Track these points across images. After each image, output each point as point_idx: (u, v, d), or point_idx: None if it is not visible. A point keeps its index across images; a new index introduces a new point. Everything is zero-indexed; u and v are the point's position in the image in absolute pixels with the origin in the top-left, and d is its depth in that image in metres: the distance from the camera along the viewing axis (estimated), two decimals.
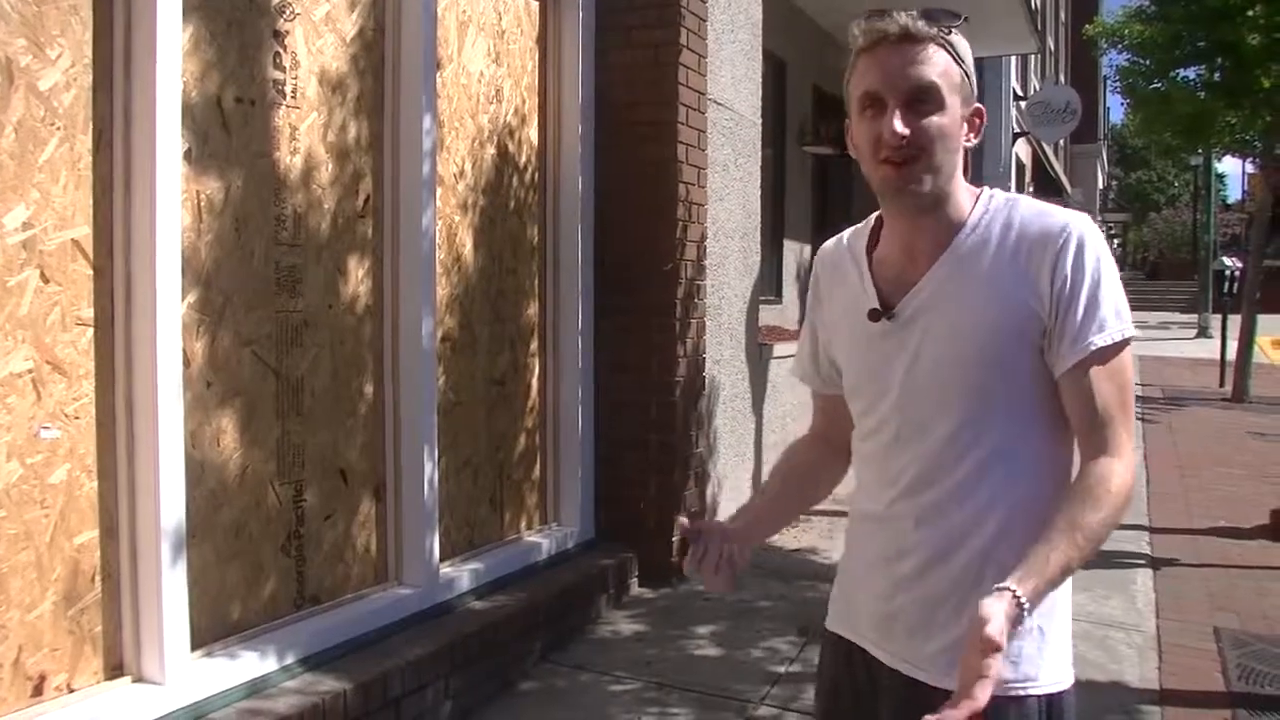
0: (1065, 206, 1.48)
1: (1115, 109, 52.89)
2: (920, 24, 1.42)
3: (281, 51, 3.07)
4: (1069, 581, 1.43)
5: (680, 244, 4.58)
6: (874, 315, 1.53)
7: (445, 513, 3.79)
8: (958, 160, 1.47)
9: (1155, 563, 5.22)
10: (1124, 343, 1.42)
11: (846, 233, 1.71)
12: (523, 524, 4.35)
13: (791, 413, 6.52)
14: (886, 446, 1.55)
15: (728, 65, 5.25)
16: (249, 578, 3.02)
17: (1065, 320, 1.40)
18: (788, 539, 5.40)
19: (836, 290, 1.67)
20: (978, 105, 1.50)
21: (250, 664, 2.88)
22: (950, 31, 1.44)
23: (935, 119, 1.42)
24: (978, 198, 1.52)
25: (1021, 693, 1.47)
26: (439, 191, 3.71)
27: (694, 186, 4.71)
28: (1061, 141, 31.29)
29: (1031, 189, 26.43)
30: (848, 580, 1.67)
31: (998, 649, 1.20)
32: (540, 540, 4.31)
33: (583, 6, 4.51)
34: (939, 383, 1.47)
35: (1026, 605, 1.26)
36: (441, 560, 3.71)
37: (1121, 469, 1.38)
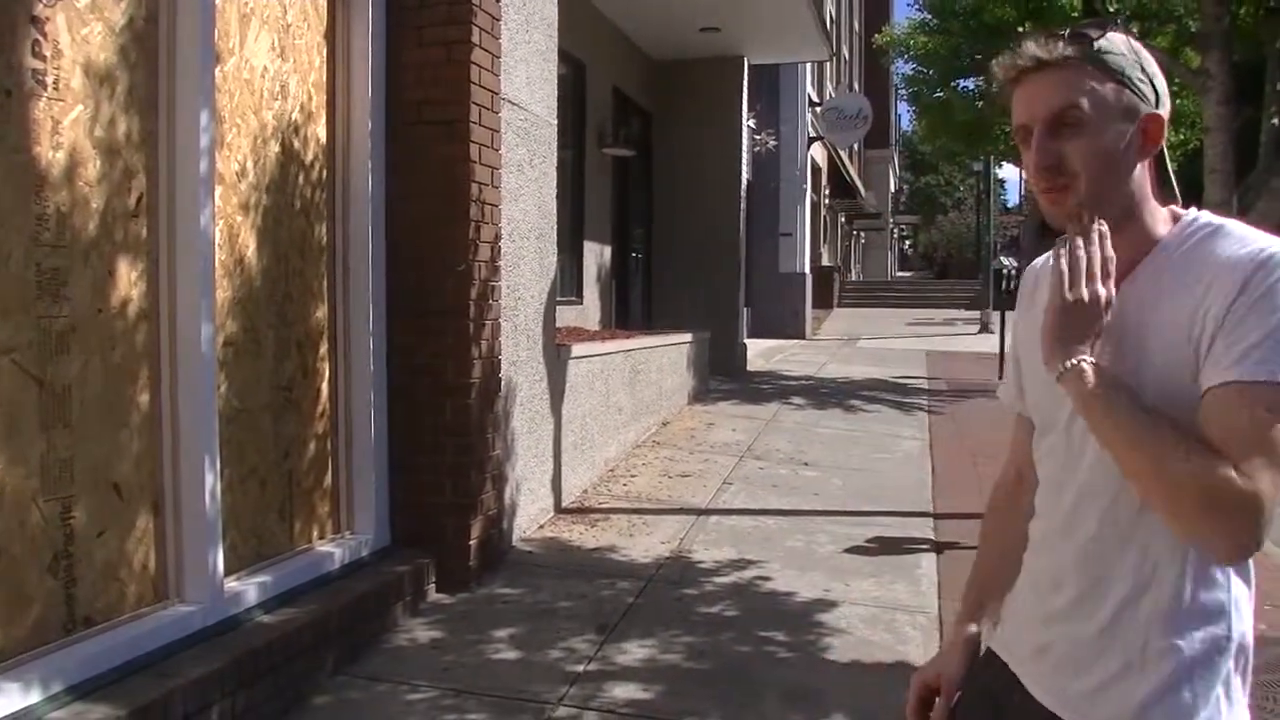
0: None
1: (905, 116, 55.59)
2: (1055, 46, 1.36)
3: (41, 39, 2.87)
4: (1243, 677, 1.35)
5: (474, 244, 4.55)
6: None
7: (230, 525, 3.64)
8: (1131, 180, 1.38)
9: (939, 547, 5.50)
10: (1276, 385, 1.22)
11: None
12: (314, 533, 4.22)
13: (591, 413, 6.56)
14: (1052, 474, 1.49)
15: (522, 65, 5.24)
16: (9, 603, 2.82)
17: (1219, 343, 1.25)
18: (587, 538, 5.44)
19: (1032, 310, 1.56)
20: (1152, 113, 1.37)
21: (11, 697, 2.69)
22: (1093, 44, 1.35)
23: (1078, 142, 1.35)
24: (1177, 220, 1.41)
25: None
26: (219, 190, 3.56)
27: (487, 186, 4.68)
28: (856, 146, 32.69)
29: (828, 190, 27.49)
30: (1013, 600, 1.59)
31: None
32: (333, 549, 4.19)
33: (373, 3, 4.41)
34: None
35: (1089, 369, 1.30)
36: (227, 574, 3.56)
37: (1243, 480, 1.19)
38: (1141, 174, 1.38)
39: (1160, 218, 1.40)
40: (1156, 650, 1.35)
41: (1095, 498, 1.40)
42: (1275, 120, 5.59)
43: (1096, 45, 1.36)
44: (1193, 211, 1.41)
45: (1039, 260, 1.64)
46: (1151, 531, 1.34)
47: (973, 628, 1.68)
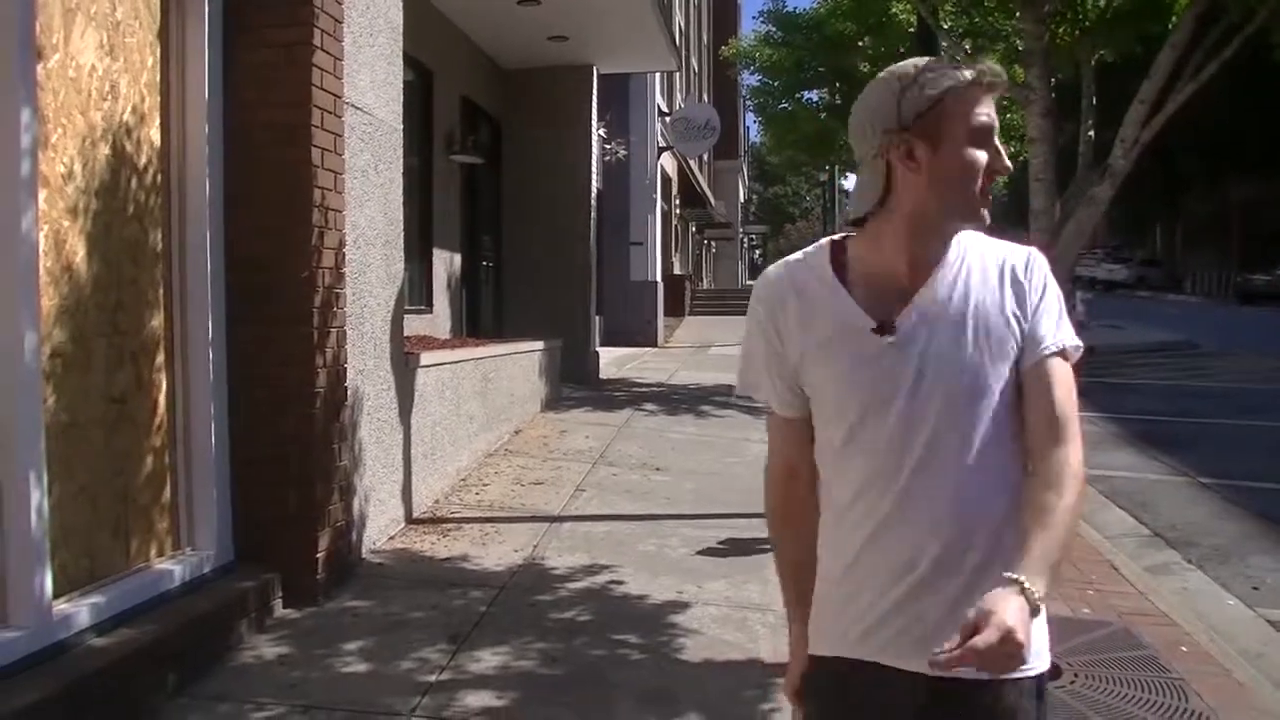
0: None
1: (753, 127, 56.68)
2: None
3: None
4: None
5: (317, 251, 4.45)
6: (881, 330, 1.61)
7: (60, 545, 3.46)
8: None
9: None
10: (1074, 350, 1.63)
11: (793, 261, 1.77)
12: (152, 551, 4.05)
13: (442, 422, 6.49)
14: (892, 457, 1.61)
15: (367, 69, 5.15)
16: None
17: (1039, 324, 1.61)
18: (439, 548, 5.38)
19: (806, 316, 1.68)
20: None
21: None
22: None
23: None
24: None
25: (1020, 675, 1.56)
26: (44, 194, 3.39)
27: (330, 192, 4.58)
28: (705, 157, 33.13)
29: (678, 200, 27.79)
30: (846, 596, 1.68)
31: (1019, 647, 1.30)
32: (172, 567, 4.03)
33: (208, 1, 4.27)
34: (944, 392, 1.58)
35: (1039, 599, 1.37)
36: (56, 596, 3.38)
37: (1077, 456, 1.54)
38: None
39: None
40: None
41: (941, 475, 1.58)
42: (1090, 133, 5.93)
43: None
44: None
45: (779, 273, 1.77)
46: (995, 494, 1.58)
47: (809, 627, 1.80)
